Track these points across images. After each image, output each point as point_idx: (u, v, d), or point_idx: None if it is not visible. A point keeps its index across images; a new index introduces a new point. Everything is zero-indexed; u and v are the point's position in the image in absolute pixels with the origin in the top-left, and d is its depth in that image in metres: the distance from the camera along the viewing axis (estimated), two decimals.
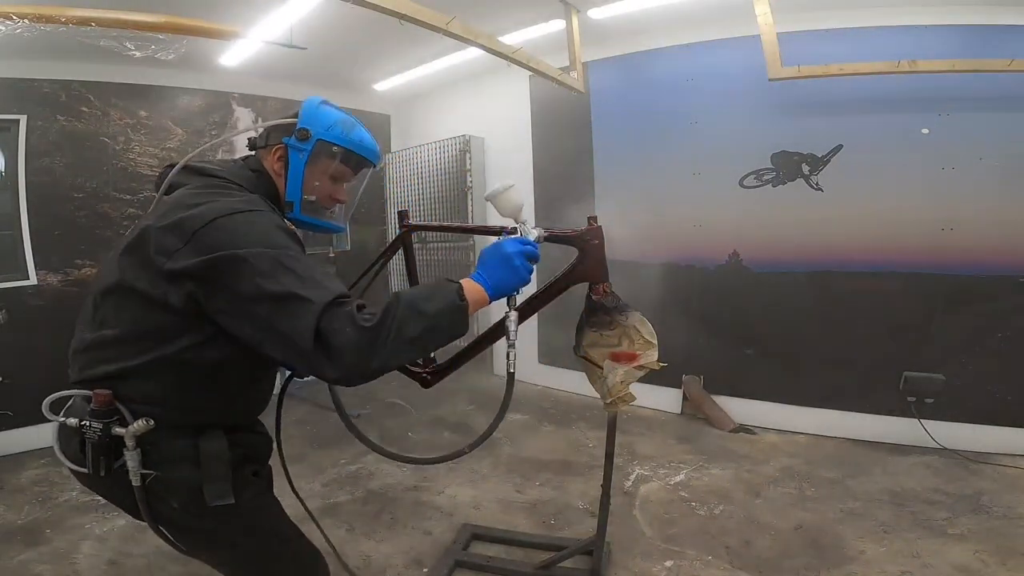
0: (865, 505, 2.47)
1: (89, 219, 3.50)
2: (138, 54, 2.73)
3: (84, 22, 2.27)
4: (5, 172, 3.30)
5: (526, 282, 1.17)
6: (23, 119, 3.25)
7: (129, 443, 0.97)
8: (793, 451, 3.04)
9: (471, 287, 1.07)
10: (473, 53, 3.39)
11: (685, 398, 3.60)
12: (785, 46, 2.81)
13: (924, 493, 2.55)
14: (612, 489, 1.91)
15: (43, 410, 1.01)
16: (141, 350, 0.98)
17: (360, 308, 0.93)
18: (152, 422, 0.97)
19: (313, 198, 1.20)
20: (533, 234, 1.39)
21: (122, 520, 2.51)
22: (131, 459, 0.98)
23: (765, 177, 3.24)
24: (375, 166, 1.29)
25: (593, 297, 1.71)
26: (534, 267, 1.18)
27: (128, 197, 3.65)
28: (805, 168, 3.15)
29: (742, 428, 3.30)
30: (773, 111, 3.16)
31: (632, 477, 2.80)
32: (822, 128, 3.09)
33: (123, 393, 0.99)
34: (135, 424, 0.96)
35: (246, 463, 1.11)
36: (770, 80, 2.88)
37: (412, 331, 0.95)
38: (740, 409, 3.41)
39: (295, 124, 1.15)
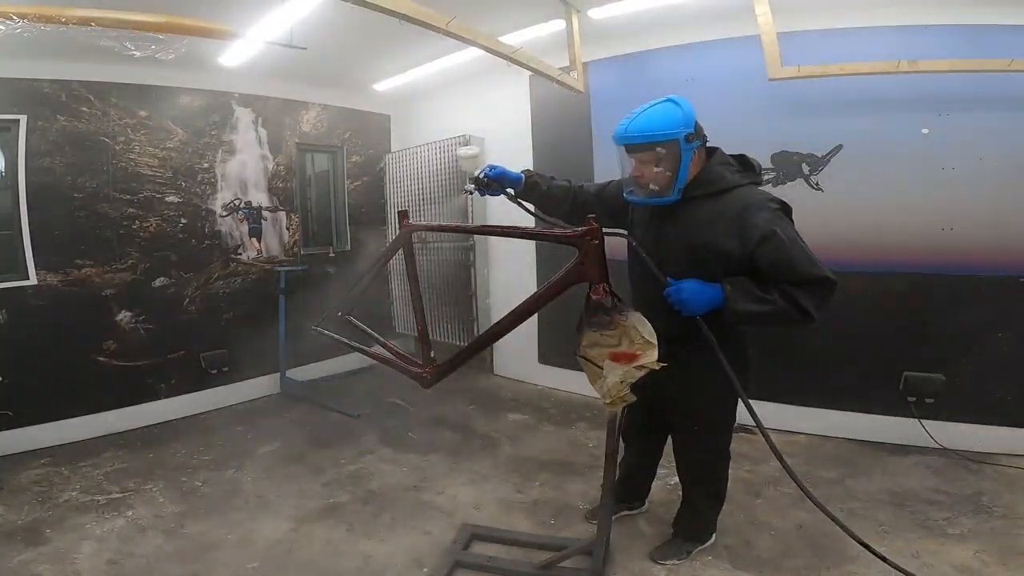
0: (865, 505, 2.47)
1: (89, 219, 3.50)
2: (138, 54, 2.73)
3: (84, 22, 2.27)
4: (5, 172, 3.30)
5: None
6: (23, 119, 3.25)
7: None
8: (793, 451, 3.04)
9: None
10: (473, 53, 3.39)
11: None
12: (785, 46, 2.81)
13: (924, 493, 2.55)
14: (612, 489, 1.91)
15: None
16: None
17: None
18: None
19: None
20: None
21: (122, 520, 2.52)
22: None
23: (765, 177, 3.23)
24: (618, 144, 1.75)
25: (593, 297, 1.70)
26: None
27: (128, 197, 3.64)
28: (805, 168, 3.15)
29: (742, 428, 3.29)
30: (773, 111, 3.16)
31: None
32: (822, 128, 3.09)
33: None
34: None
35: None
36: (770, 80, 2.88)
37: None
38: (740, 409, 3.38)
39: None
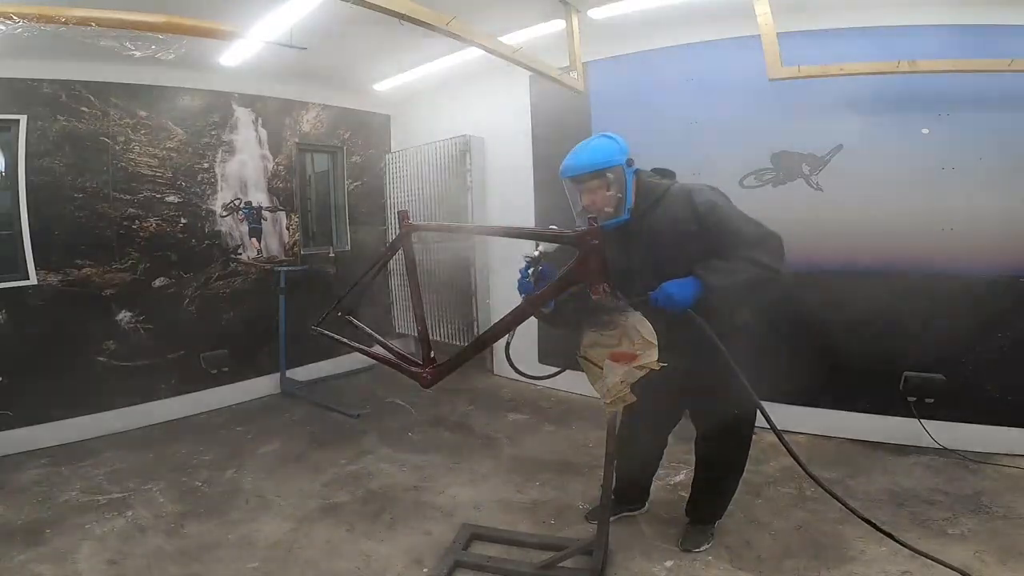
0: (865, 505, 2.46)
1: (89, 219, 3.50)
2: (138, 54, 2.73)
3: (84, 22, 2.27)
4: (5, 172, 3.30)
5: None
6: (23, 119, 3.25)
7: None
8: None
9: None
10: (473, 53, 3.39)
11: None
12: (785, 46, 2.80)
13: (924, 493, 2.55)
14: (612, 489, 1.91)
15: None
16: None
17: None
18: None
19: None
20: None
21: (122, 520, 2.52)
22: None
23: (765, 177, 3.24)
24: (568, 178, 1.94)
25: (593, 297, 1.70)
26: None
27: (128, 197, 3.65)
28: (805, 168, 3.15)
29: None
30: (773, 111, 3.15)
31: None
32: (822, 128, 3.09)
33: None
34: None
35: None
36: (770, 80, 2.88)
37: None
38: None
39: None
